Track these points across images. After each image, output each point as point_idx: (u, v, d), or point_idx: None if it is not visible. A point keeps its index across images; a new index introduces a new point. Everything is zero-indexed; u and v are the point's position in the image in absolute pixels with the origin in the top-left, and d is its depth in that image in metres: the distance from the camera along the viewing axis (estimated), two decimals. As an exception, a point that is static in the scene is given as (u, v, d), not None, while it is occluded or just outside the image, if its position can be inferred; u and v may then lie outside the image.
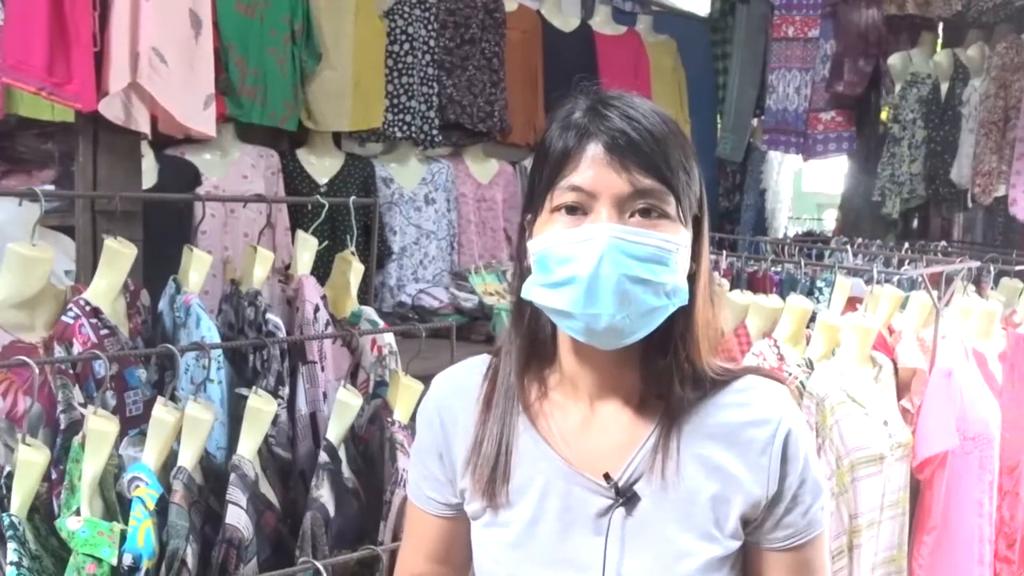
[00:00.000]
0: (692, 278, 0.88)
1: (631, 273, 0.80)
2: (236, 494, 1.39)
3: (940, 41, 4.16)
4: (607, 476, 0.87)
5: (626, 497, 0.87)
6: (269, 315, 1.71)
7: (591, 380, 0.90)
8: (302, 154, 2.96)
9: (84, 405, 1.41)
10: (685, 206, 0.84)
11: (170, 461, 1.40)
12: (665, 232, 0.82)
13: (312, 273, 1.91)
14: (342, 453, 1.62)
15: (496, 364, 0.95)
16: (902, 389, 2.09)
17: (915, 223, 4.37)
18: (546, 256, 0.84)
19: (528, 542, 0.89)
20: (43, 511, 1.34)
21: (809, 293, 2.50)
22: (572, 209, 0.83)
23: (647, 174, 0.82)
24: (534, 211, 0.87)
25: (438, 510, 1.00)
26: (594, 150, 0.82)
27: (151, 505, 1.31)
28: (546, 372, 0.93)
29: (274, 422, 1.57)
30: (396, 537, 1.57)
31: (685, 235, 0.85)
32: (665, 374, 0.88)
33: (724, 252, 2.85)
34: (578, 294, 0.81)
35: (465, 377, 0.98)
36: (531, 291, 0.86)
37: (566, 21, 3.84)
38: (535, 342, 0.92)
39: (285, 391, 1.69)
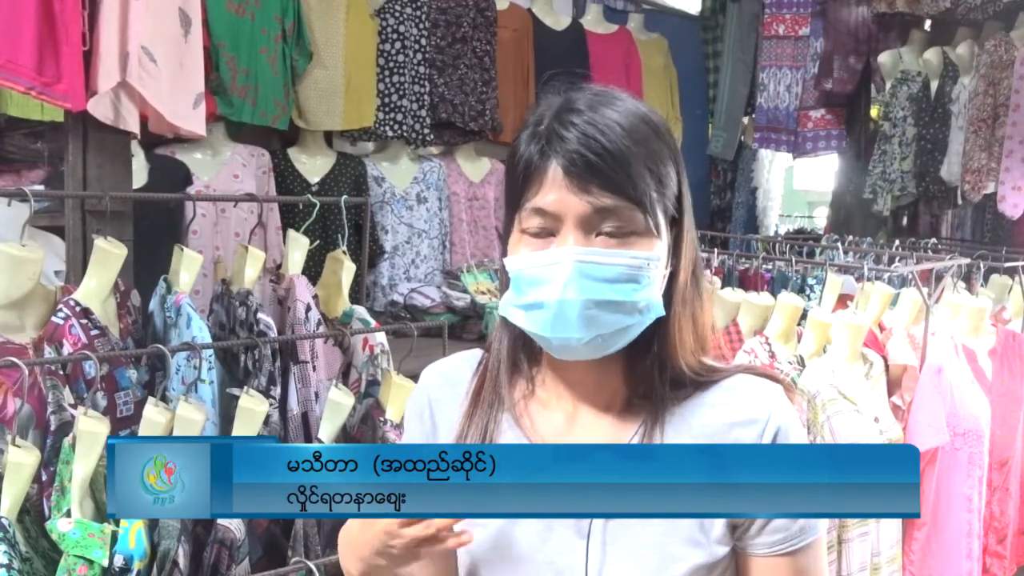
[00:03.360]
0: (672, 277, 0.86)
1: (598, 297, 0.80)
2: (228, 494, 1.39)
3: (929, 39, 4.18)
4: None
5: None
6: (260, 315, 1.70)
7: (574, 381, 0.89)
8: (293, 153, 2.96)
9: (74, 406, 1.40)
10: (658, 216, 0.83)
11: (161, 462, 1.40)
12: (635, 249, 0.81)
13: (304, 272, 1.91)
14: (334, 453, 1.61)
15: (487, 360, 0.94)
16: (893, 386, 2.10)
17: (905, 220, 4.39)
18: (518, 277, 0.84)
19: (509, 542, 0.88)
20: (33, 513, 1.34)
21: (800, 291, 2.51)
22: (540, 228, 0.82)
23: (609, 194, 0.80)
24: (508, 222, 0.87)
25: None
26: (554, 171, 0.81)
27: (142, 506, 1.30)
28: (533, 371, 0.93)
29: (266, 422, 1.57)
30: (389, 536, 1.57)
31: (660, 247, 0.83)
32: (648, 375, 0.87)
33: (715, 250, 2.86)
34: (547, 319, 0.81)
35: (454, 370, 0.97)
36: (508, 310, 0.86)
37: (557, 19, 3.84)
38: (522, 340, 0.90)
39: (277, 391, 1.69)
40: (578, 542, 0.86)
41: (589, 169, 0.80)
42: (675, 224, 0.87)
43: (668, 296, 0.86)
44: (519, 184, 0.84)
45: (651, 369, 0.87)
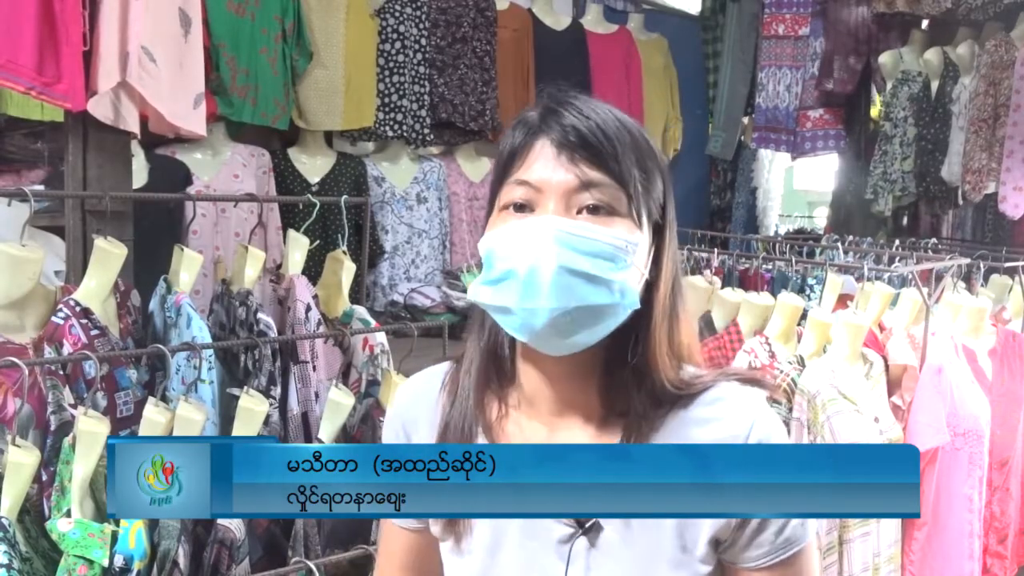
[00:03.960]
0: (651, 287, 0.84)
1: (572, 265, 0.77)
2: (228, 494, 1.39)
3: (930, 39, 4.18)
4: None
5: (586, 528, 0.84)
6: (260, 315, 1.70)
7: (549, 397, 0.86)
8: (293, 153, 2.96)
9: (74, 406, 1.40)
10: (641, 207, 0.82)
11: (161, 462, 1.40)
12: (615, 229, 0.80)
13: (304, 272, 1.91)
14: (334, 453, 1.61)
15: (455, 375, 0.91)
16: (893, 386, 2.10)
17: (905, 220, 4.39)
18: (490, 253, 0.81)
19: (492, 570, 0.87)
20: (34, 513, 1.34)
21: (800, 291, 2.51)
22: (520, 207, 0.81)
23: (596, 168, 0.79)
24: (489, 208, 0.86)
25: (405, 523, 0.97)
26: (543, 145, 0.81)
27: (142, 506, 1.30)
28: (507, 390, 0.89)
29: (266, 422, 1.56)
30: (389, 536, 1.57)
31: (640, 236, 0.81)
32: (624, 390, 0.84)
33: (715, 250, 2.86)
34: (516, 287, 0.78)
35: (426, 385, 0.95)
36: (476, 291, 0.82)
37: (557, 20, 3.84)
38: (495, 359, 0.88)
39: (277, 391, 1.68)
40: (560, 566, 0.84)
41: (581, 141, 0.80)
42: (658, 233, 0.85)
43: (648, 307, 0.84)
44: (504, 165, 0.84)
45: (628, 385, 0.84)
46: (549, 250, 0.77)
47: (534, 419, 0.88)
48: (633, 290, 0.81)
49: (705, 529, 0.83)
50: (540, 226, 0.78)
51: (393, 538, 1.00)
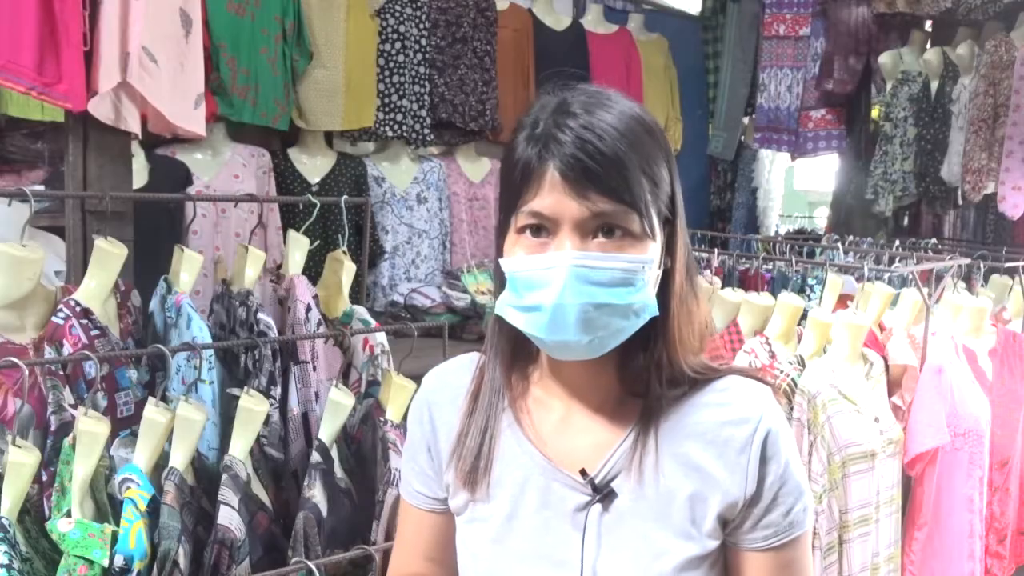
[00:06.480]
0: (667, 276, 0.88)
1: (594, 300, 0.81)
2: (228, 495, 1.39)
3: (930, 39, 4.18)
4: (583, 472, 0.88)
5: (603, 494, 0.87)
6: (261, 315, 1.70)
7: (569, 379, 0.91)
8: (294, 153, 2.96)
9: (75, 406, 1.40)
10: (652, 218, 0.84)
11: (162, 462, 1.40)
12: (630, 252, 0.82)
13: (304, 273, 1.91)
14: (334, 453, 1.62)
15: (484, 362, 0.96)
16: (893, 386, 2.10)
17: (905, 221, 4.39)
18: (513, 279, 0.85)
19: (507, 537, 0.90)
20: (34, 513, 1.34)
21: (800, 291, 2.52)
22: (537, 229, 0.83)
23: (605, 198, 0.81)
24: (504, 222, 0.88)
25: (427, 504, 1.01)
26: (552, 175, 0.82)
27: (142, 506, 1.30)
28: (529, 369, 0.95)
29: (266, 422, 1.56)
30: (389, 537, 1.57)
31: (654, 248, 0.85)
32: (643, 373, 0.88)
33: (715, 250, 2.86)
34: (543, 322, 0.82)
35: (454, 374, 0.99)
36: (504, 310, 0.87)
37: (558, 20, 3.84)
38: (519, 339, 0.91)
39: (277, 391, 1.68)
40: (574, 535, 0.88)
41: (586, 174, 0.81)
42: (668, 224, 0.88)
43: (665, 296, 0.88)
44: (516, 186, 0.85)
45: (646, 367, 0.88)
46: (571, 288, 0.81)
47: (554, 397, 0.93)
48: (651, 303, 0.85)
49: (714, 505, 0.87)
50: (560, 262, 0.81)
51: (412, 522, 1.03)
